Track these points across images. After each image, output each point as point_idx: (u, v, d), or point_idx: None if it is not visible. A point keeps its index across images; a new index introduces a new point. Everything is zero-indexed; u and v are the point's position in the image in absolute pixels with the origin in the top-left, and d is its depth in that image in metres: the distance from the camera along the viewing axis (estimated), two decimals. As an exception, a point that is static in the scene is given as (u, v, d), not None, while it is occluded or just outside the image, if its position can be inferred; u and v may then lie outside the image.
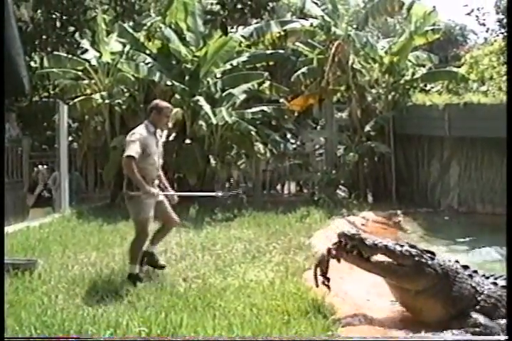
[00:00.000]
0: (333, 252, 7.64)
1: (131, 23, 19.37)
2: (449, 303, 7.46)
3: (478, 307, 7.42)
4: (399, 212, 16.94)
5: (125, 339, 5.32)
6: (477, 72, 21.38)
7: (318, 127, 21.06)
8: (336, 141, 19.18)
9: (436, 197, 18.53)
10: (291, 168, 19.29)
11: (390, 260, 7.60)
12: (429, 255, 7.70)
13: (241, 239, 11.78)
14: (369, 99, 19.15)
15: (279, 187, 20.24)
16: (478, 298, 7.51)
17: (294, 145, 21.02)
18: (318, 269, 7.69)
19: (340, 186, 18.44)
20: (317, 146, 20.27)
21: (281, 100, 18.97)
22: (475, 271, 7.87)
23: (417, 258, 7.59)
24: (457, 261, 7.94)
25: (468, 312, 7.35)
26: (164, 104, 9.20)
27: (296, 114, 19.67)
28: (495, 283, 7.72)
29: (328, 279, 7.68)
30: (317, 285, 7.70)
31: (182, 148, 16.88)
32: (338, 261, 7.71)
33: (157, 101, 9.37)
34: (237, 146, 18.01)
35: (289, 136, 19.85)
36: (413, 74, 19.69)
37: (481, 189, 17.76)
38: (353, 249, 7.55)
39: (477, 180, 17.88)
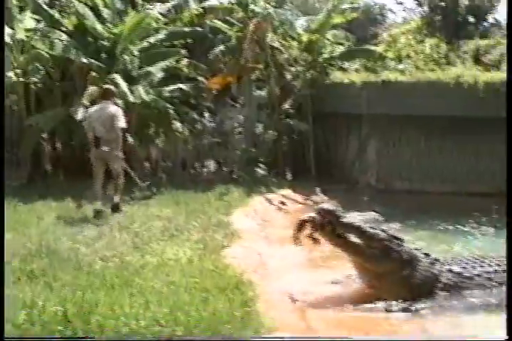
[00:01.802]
0: (309, 225, 7.88)
1: (46, -1, 18.91)
2: (410, 288, 7.83)
3: (436, 293, 7.84)
4: (318, 189, 17.08)
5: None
6: (394, 50, 21.70)
7: (238, 105, 21.04)
8: (254, 119, 19.22)
9: (354, 175, 18.81)
10: (211, 147, 19.24)
11: (361, 240, 7.86)
12: (397, 241, 8.01)
13: (160, 217, 11.74)
14: (288, 77, 19.24)
15: (198, 165, 20.15)
16: (438, 284, 7.92)
17: (213, 124, 20.94)
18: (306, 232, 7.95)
19: (260, 164, 18.47)
20: (236, 124, 20.25)
21: (200, 78, 18.84)
22: (435, 259, 8.25)
23: (386, 243, 7.91)
24: (418, 249, 8.32)
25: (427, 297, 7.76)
26: None
27: (214, 92, 19.58)
28: (451, 270, 8.14)
29: (316, 240, 7.96)
30: (297, 245, 8.01)
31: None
32: (312, 230, 7.91)
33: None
34: (155, 124, 17.90)
35: (207, 114, 19.76)
36: (331, 52, 19.87)
37: (398, 166, 18.11)
38: (328, 224, 7.76)
39: (395, 157, 18.22)
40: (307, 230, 7.94)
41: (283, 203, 15.42)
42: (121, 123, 12.45)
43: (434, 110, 17.15)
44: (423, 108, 17.23)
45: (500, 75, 16.88)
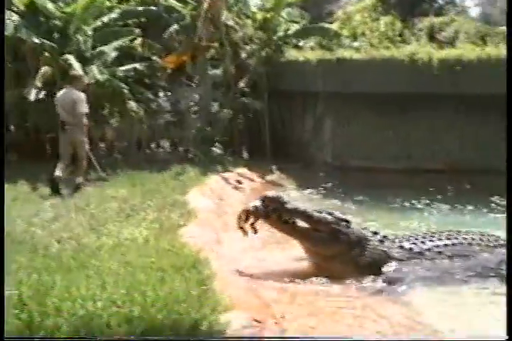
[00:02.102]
0: (253, 213, 7.91)
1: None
2: (360, 268, 7.96)
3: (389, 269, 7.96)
4: (274, 167, 17.26)
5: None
6: (349, 28, 21.75)
7: (193, 84, 20.96)
8: (210, 98, 19.19)
9: (311, 152, 18.88)
10: (166, 126, 19.20)
11: (308, 225, 7.96)
12: (345, 223, 8.13)
13: (115, 198, 11.70)
14: (243, 55, 19.22)
15: (153, 145, 20.09)
16: (389, 262, 8.06)
17: (168, 103, 20.85)
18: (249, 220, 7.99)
19: (215, 143, 18.53)
20: (191, 103, 20.19)
21: (154, 57, 18.75)
22: (384, 236, 8.39)
23: (333, 225, 8.03)
24: (366, 228, 8.50)
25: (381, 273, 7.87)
26: None
27: (169, 72, 19.49)
28: (401, 247, 8.28)
29: (256, 229, 7.99)
30: (245, 235, 8.07)
31: (53, 107, 16.49)
32: (255, 221, 7.97)
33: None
34: (110, 104, 17.78)
35: (162, 93, 19.68)
36: (286, 30, 19.87)
37: (353, 143, 18.20)
38: (273, 211, 7.83)
39: (350, 134, 18.30)
40: (251, 220, 7.98)
41: (239, 182, 15.47)
42: (83, 108, 12.89)
43: (389, 87, 17.23)
44: (378, 85, 17.32)
45: (455, 52, 17.04)
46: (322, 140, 18.76)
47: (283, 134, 19.37)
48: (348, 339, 5.98)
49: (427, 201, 13.37)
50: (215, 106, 19.27)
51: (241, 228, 8.03)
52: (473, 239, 8.78)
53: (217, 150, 18.40)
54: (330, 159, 18.46)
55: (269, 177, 16.63)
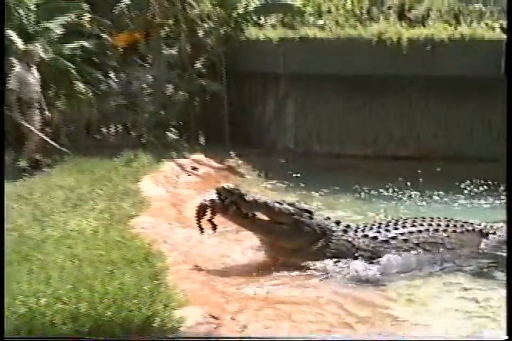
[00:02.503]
0: (210, 207, 7.82)
1: None
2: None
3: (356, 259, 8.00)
4: (232, 154, 17.21)
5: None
6: (314, 5, 21.62)
7: (146, 64, 20.77)
8: (164, 80, 18.96)
9: (272, 138, 18.86)
10: (117, 109, 19.00)
11: (269, 218, 7.96)
12: (307, 214, 8.15)
13: (62, 186, 11.58)
14: (200, 33, 19.05)
15: (104, 130, 19.88)
16: (355, 252, 8.12)
17: (119, 85, 20.62)
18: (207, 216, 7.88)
19: (170, 127, 18.38)
20: (144, 85, 20.01)
21: (104, 35, 18.49)
22: (347, 226, 8.45)
23: (295, 217, 8.04)
24: (329, 218, 8.50)
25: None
26: None
27: (120, 50, 19.26)
28: (366, 236, 8.34)
29: (214, 225, 7.93)
30: (202, 233, 7.96)
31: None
32: (213, 215, 7.88)
33: None
34: (56, 85, 17.51)
35: (113, 74, 19.47)
36: (246, 7, 19.74)
37: (318, 128, 18.18)
38: (231, 204, 7.77)
39: (313, 118, 18.27)
40: (208, 215, 7.92)
41: (195, 168, 15.44)
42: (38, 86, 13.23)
43: (355, 68, 17.17)
44: (343, 66, 17.23)
45: (425, 32, 17.03)
46: (284, 124, 18.69)
47: (243, 118, 19.27)
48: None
49: (396, 189, 13.35)
50: (169, 88, 19.06)
51: (199, 225, 7.93)
52: (439, 225, 8.89)
53: (171, 135, 18.22)
54: (293, 145, 18.44)
55: (227, 164, 16.56)
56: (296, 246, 8.03)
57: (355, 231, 8.45)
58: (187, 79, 18.57)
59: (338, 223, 8.46)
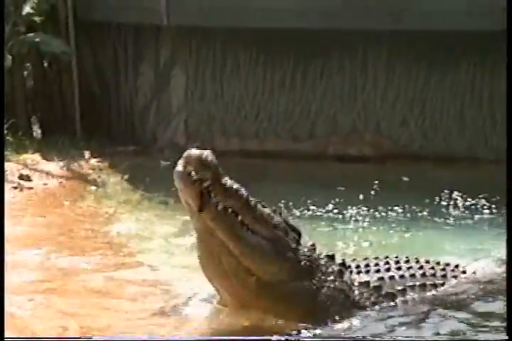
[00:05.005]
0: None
1: None
2: (311, 309, 7.87)
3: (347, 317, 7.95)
4: (87, 154, 17.00)
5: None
6: None
7: None
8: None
9: (150, 128, 18.61)
10: None
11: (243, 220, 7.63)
12: (294, 234, 7.99)
13: None
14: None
15: None
16: (348, 307, 8.08)
17: None
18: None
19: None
20: None
21: None
22: (342, 264, 8.37)
23: (278, 233, 7.83)
24: (313, 246, 8.22)
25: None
26: None
27: None
28: (367, 283, 8.32)
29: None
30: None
31: None
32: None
33: None
34: None
35: None
36: None
37: (221, 112, 17.90)
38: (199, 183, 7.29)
39: (215, 98, 17.98)
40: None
41: (26, 177, 15.11)
42: None
43: (280, 19, 16.95)
44: (261, 16, 17.03)
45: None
46: (169, 107, 18.39)
47: (102, 98, 19.16)
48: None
49: (341, 205, 13.60)
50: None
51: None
52: (422, 268, 9.05)
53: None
54: (183, 139, 18.10)
55: (79, 169, 16.29)
56: (272, 273, 7.66)
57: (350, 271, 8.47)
58: (10, 33, 17.93)
59: (331, 257, 8.29)
